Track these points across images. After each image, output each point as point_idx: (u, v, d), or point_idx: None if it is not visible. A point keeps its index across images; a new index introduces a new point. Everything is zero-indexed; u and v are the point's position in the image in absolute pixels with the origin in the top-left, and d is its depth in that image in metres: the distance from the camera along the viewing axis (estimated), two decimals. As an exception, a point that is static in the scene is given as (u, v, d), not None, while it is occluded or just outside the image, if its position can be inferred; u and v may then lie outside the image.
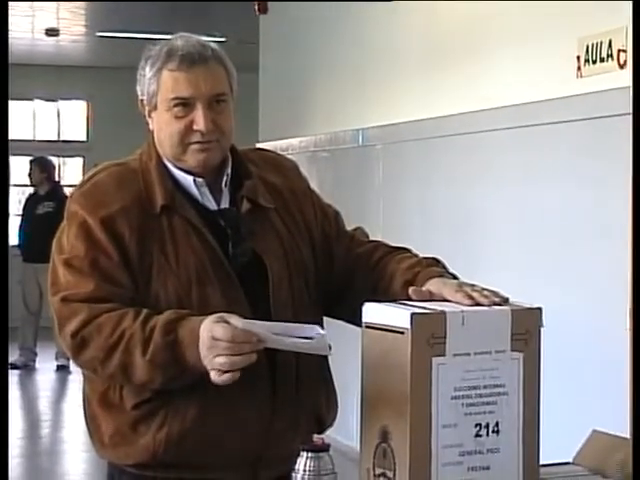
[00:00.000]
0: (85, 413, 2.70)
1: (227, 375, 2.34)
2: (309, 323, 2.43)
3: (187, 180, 2.64)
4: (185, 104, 2.58)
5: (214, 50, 2.64)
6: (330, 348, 2.54)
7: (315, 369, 2.67)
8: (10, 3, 10.86)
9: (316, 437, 2.30)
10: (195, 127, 2.58)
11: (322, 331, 2.36)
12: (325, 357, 2.69)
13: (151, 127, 2.68)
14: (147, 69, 2.62)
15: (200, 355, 2.37)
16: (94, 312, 2.49)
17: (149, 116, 2.67)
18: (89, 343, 2.49)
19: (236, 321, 2.34)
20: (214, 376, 2.35)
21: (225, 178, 2.68)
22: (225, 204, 2.67)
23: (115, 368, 2.47)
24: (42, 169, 11.69)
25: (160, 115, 2.62)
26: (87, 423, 2.69)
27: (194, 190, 2.65)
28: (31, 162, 11.89)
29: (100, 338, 2.47)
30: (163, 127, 2.62)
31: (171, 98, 2.58)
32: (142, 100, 2.66)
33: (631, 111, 4.96)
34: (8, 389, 3.66)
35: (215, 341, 2.33)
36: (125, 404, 2.57)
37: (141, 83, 2.65)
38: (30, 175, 11.76)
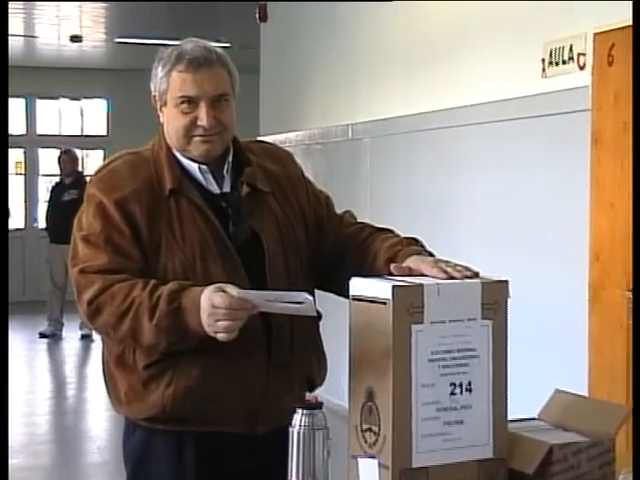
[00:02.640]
0: (104, 373, 2.72)
1: (226, 335, 2.36)
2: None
3: (193, 167, 2.65)
4: (191, 102, 2.59)
5: (218, 54, 2.64)
6: (319, 314, 2.56)
7: (307, 334, 2.68)
8: (38, 12, 10.90)
9: (310, 395, 2.30)
10: (199, 122, 2.59)
11: (309, 296, 2.36)
12: (316, 323, 2.71)
13: (161, 120, 2.69)
14: (159, 69, 2.63)
15: (201, 321, 2.38)
16: (108, 282, 2.50)
17: (160, 110, 2.68)
18: (103, 310, 2.50)
19: (232, 290, 2.35)
20: (216, 336, 2.37)
21: (227, 165, 2.68)
22: (227, 188, 2.67)
23: (126, 332, 2.49)
24: (69, 160, 11.68)
25: (169, 110, 2.63)
26: (105, 382, 2.71)
27: (199, 176, 2.65)
28: (61, 154, 11.87)
29: (113, 305, 2.49)
30: (171, 121, 2.63)
31: (178, 96, 2.59)
32: (154, 96, 2.67)
33: (590, 107, 4.99)
34: (8, 388, 3.64)
35: (214, 308, 2.34)
36: (137, 365, 2.58)
37: (154, 81, 2.65)
38: (60, 166, 11.74)
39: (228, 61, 2.66)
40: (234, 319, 2.34)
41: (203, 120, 2.58)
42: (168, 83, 2.61)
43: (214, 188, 2.66)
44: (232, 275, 2.54)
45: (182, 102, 2.59)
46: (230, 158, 2.69)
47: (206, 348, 2.47)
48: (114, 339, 2.57)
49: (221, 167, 2.68)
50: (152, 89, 2.68)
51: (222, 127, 2.62)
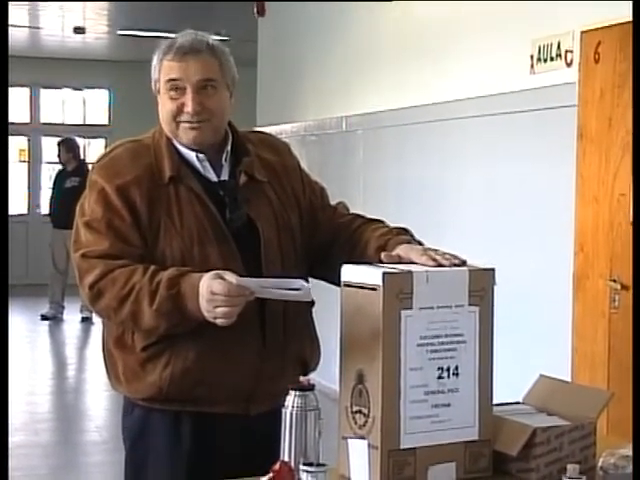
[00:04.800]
0: (104, 354, 2.72)
1: (224, 321, 2.36)
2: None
3: (191, 155, 2.65)
4: (178, 88, 2.59)
5: (210, 44, 2.64)
6: (312, 301, 2.56)
7: (300, 319, 2.68)
8: (42, 4, 10.88)
9: (302, 378, 2.30)
10: (185, 108, 2.59)
11: (306, 283, 2.37)
12: (309, 309, 2.71)
13: (159, 108, 2.70)
14: (154, 59, 2.66)
15: (199, 306, 2.38)
16: (109, 267, 2.50)
17: (158, 99, 2.69)
18: (104, 294, 2.50)
19: (231, 277, 2.35)
20: (215, 322, 2.37)
21: (225, 154, 2.68)
22: (225, 177, 2.67)
23: (126, 315, 2.49)
24: (68, 149, 11.62)
25: (161, 97, 2.65)
26: (105, 362, 2.71)
27: (197, 164, 2.65)
28: (59, 143, 11.83)
29: (113, 290, 2.49)
30: (162, 107, 2.65)
31: (165, 80, 2.61)
32: (152, 86, 2.69)
33: (576, 103, 4.99)
34: (8, 384, 3.64)
35: (213, 295, 2.34)
36: (136, 346, 2.58)
37: (151, 71, 2.67)
38: (59, 154, 11.72)
39: (220, 51, 2.66)
40: (232, 305, 2.34)
41: (188, 106, 2.58)
42: (159, 71, 2.63)
43: (212, 176, 2.66)
44: (228, 260, 2.54)
45: (170, 88, 2.60)
46: (229, 147, 2.69)
47: (202, 331, 2.47)
48: (115, 322, 2.58)
49: (219, 156, 2.67)
50: (151, 79, 2.69)
51: (209, 113, 2.61)
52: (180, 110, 2.60)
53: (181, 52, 2.59)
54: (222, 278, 2.35)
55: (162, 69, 2.62)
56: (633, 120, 4.52)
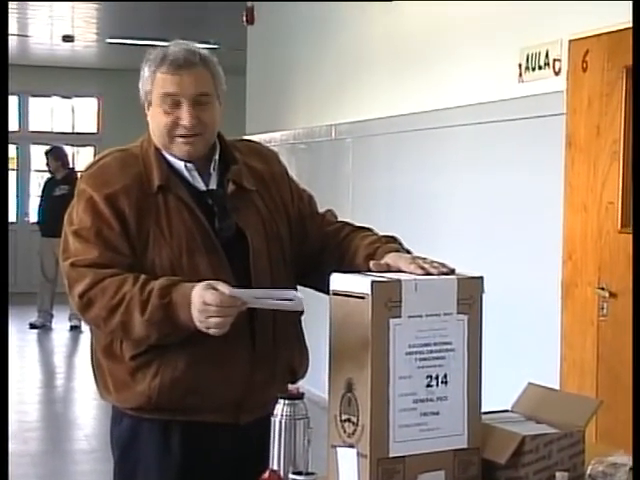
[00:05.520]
0: (92, 363, 2.71)
1: (217, 331, 2.36)
2: (285, 287, 2.45)
3: (179, 164, 2.65)
4: (173, 102, 2.59)
5: (202, 56, 2.64)
6: (302, 310, 2.56)
7: (289, 327, 2.68)
8: (31, 13, 10.87)
9: (291, 387, 2.30)
10: (180, 122, 2.59)
11: (298, 293, 2.37)
12: (298, 317, 2.71)
13: (148, 119, 2.69)
14: (145, 70, 2.64)
15: (191, 316, 2.38)
16: (99, 276, 2.50)
17: (147, 110, 2.68)
18: (94, 303, 2.50)
19: (223, 287, 2.35)
20: (208, 331, 2.37)
21: (213, 163, 2.68)
22: (213, 185, 2.67)
23: (116, 325, 2.48)
24: (56, 158, 11.61)
25: (153, 110, 2.64)
26: (94, 371, 2.71)
27: (185, 173, 2.64)
28: (46, 153, 11.81)
29: (104, 299, 2.48)
30: (155, 120, 2.63)
31: (160, 94, 2.60)
32: (142, 96, 2.68)
33: (564, 111, 5.00)
34: (8, 384, 3.62)
35: (206, 305, 2.34)
36: (125, 355, 2.57)
37: (141, 82, 2.66)
38: (47, 163, 11.70)
39: (212, 63, 2.66)
40: (225, 315, 2.34)
41: (184, 119, 2.58)
42: (152, 83, 2.62)
43: (200, 185, 2.66)
44: (217, 270, 2.54)
45: (164, 102, 2.59)
46: (217, 156, 2.69)
47: (192, 341, 2.47)
48: (105, 331, 2.57)
49: (207, 165, 2.67)
50: (140, 88, 2.68)
51: (203, 127, 2.61)
52: (175, 124, 2.60)
53: (175, 65, 2.58)
54: (214, 288, 2.35)
55: (155, 81, 2.61)
56: (633, 121, 4.53)
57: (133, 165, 2.63)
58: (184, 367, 2.54)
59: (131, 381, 2.58)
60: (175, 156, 2.64)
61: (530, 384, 2.63)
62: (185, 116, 2.58)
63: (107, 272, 2.50)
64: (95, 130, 15.68)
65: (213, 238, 2.59)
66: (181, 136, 2.60)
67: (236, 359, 2.57)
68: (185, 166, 2.64)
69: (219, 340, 2.40)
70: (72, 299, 2.56)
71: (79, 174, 2.88)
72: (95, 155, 16.20)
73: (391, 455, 2.19)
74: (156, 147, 2.65)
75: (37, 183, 14.40)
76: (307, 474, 2.11)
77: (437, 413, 2.25)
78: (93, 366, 2.71)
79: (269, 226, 2.69)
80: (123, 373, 2.59)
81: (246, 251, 2.61)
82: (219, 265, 2.56)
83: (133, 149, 2.69)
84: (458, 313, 2.26)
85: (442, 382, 2.25)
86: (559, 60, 5.08)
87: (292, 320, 2.68)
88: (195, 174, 2.65)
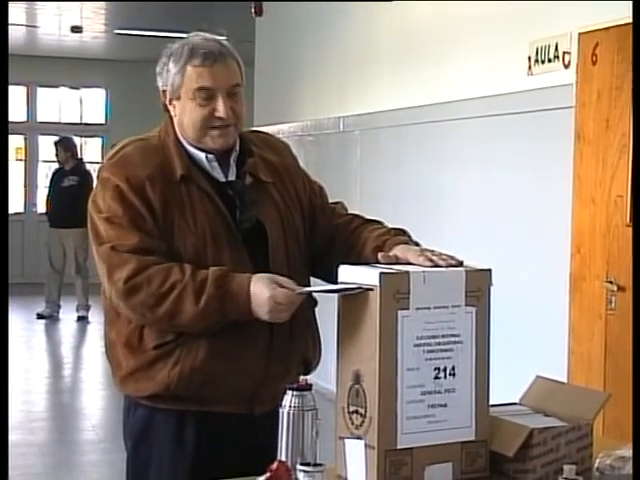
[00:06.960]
0: (108, 355, 2.71)
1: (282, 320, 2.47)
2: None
3: (199, 155, 2.65)
4: (207, 94, 2.59)
5: (228, 47, 2.65)
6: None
7: (304, 319, 2.68)
8: (39, 4, 10.87)
9: (300, 379, 2.31)
10: (217, 114, 2.59)
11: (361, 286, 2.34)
12: (312, 308, 2.73)
13: (172, 113, 2.67)
14: (171, 65, 2.62)
15: (247, 309, 2.43)
16: (143, 263, 2.49)
17: (170, 104, 2.66)
18: (140, 290, 2.49)
19: (289, 284, 2.42)
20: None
21: (234, 154, 2.69)
22: (232, 177, 2.67)
23: (164, 313, 2.48)
24: (66, 148, 11.58)
25: (183, 104, 2.62)
26: (110, 362, 2.70)
27: (205, 164, 2.65)
28: (55, 143, 11.79)
29: (150, 287, 2.48)
30: (187, 114, 2.62)
31: (196, 88, 2.58)
32: (164, 91, 2.66)
33: (573, 104, 5.00)
34: (8, 384, 3.62)
35: (278, 305, 2.40)
36: (145, 345, 2.58)
37: (164, 77, 2.64)
38: (56, 154, 11.69)
39: (236, 53, 2.68)
40: (292, 311, 2.44)
41: (221, 111, 2.58)
42: (183, 77, 2.60)
43: (220, 176, 2.66)
44: (237, 261, 2.56)
45: (199, 95, 2.59)
46: (237, 147, 2.70)
47: (213, 331, 2.50)
48: (148, 318, 2.54)
49: (227, 156, 2.68)
50: (160, 83, 2.66)
51: (237, 117, 2.63)
52: (211, 115, 2.60)
53: (211, 58, 2.58)
54: (279, 284, 2.41)
55: (187, 75, 2.60)
56: (633, 121, 4.52)
57: (154, 155, 2.63)
58: (204, 357, 2.55)
59: (151, 370, 2.58)
60: (202, 149, 2.64)
61: (538, 377, 2.63)
62: (221, 108, 2.58)
63: (151, 259, 2.50)
64: (103, 121, 15.68)
65: (234, 229, 2.60)
66: (216, 127, 2.61)
67: (254, 352, 2.58)
68: (206, 157, 2.65)
69: (239, 332, 2.46)
70: (113, 284, 2.53)
71: (90, 167, 2.87)
72: (103, 146, 16.26)
73: (399, 447, 2.20)
74: (175, 137, 2.66)
75: (45, 174, 14.40)
76: (315, 465, 2.11)
77: (445, 405, 2.26)
78: (109, 357, 2.70)
79: (286, 218, 2.70)
80: (142, 362, 2.59)
81: (265, 243, 2.63)
82: (239, 257, 2.58)
83: (152, 139, 2.69)
84: (466, 305, 2.26)
85: (450, 374, 2.26)
86: (568, 53, 5.07)
87: (306, 311, 2.68)
88: (215, 165, 2.66)
